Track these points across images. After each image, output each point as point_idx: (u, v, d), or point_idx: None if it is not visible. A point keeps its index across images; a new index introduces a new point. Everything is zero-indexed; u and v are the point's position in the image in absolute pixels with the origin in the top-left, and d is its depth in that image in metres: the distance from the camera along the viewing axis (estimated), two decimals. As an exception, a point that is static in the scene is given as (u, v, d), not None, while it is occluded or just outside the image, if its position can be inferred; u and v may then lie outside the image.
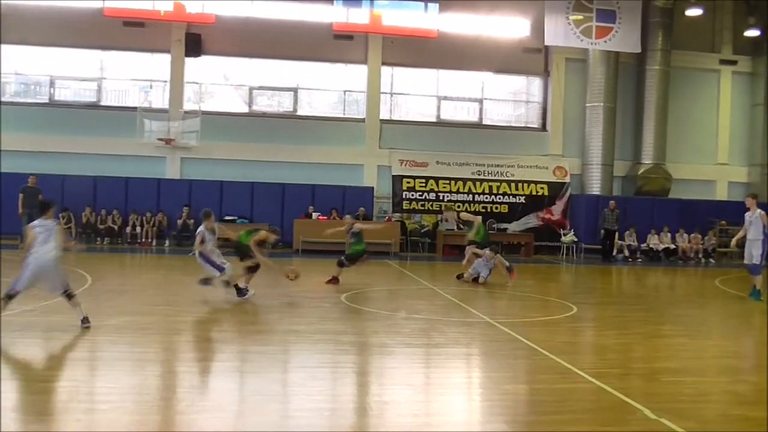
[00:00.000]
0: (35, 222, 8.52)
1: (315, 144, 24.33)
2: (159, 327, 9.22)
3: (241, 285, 11.69)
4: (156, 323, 9.42)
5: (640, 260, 24.00)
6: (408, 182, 24.46)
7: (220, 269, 11.37)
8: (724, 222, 25.48)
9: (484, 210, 24.79)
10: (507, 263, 15.21)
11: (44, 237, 8.34)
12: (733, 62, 27.29)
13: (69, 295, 8.52)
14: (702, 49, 27.08)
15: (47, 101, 23.81)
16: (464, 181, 24.85)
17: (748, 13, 25.88)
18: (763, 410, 6.13)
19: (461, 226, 16.07)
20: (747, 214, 14.23)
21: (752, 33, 25.92)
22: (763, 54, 26.94)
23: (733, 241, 15.13)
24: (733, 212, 25.73)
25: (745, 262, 14.28)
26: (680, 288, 18.03)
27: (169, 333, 8.88)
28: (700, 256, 24.62)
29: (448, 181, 24.76)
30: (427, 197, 24.51)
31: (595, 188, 25.40)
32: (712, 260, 24.50)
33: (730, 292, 15.94)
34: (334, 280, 13.78)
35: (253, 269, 12.03)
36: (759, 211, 13.96)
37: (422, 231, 24.10)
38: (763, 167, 27.00)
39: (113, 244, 22.11)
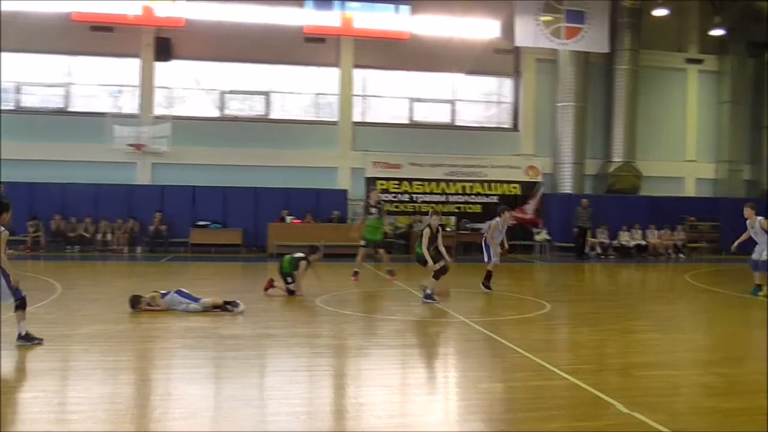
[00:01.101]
0: None
1: (288, 147, 24.27)
2: (131, 335, 9.12)
3: (429, 290, 12.28)
4: (128, 331, 9.32)
5: (612, 257, 24.27)
6: (382, 184, 24.48)
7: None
8: (693, 218, 25.95)
9: (457, 210, 24.95)
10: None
11: None
12: (700, 61, 27.72)
13: (17, 307, 8.05)
14: (669, 48, 27.48)
15: (14, 108, 23.46)
16: (437, 181, 24.96)
17: (713, 13, 26.30)
18: (733, 401, 6.24)
19: (371, 210, 15.93)
20: (748, 223, 14.10)
21: (717, 32, 26.33)
22: (728, 53, 27.40)
23: (734, 246, 14.84)
24: (701, 208, 26.31)
25: (754, 257, 14.07)
26: (652, 284, 18.23)
27: (141, 341, 8.79)
28: (671, 251, 24.95)
29: (421, 183, 24.86)
30: (401, 199, 24.60)
31: (567, 187, 25.63)
32: (682, 255, 24.85)
33: (700, 286, 16.16)
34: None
35: (439, 273, 12.38)
36: (759, 219, 13.85)
37: (397, 232, 24.12)
38: (730, 164, 27.49)
39: (84, 251, 21.86)
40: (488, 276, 13.89)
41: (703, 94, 27.95)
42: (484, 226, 14.51)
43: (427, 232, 12.46)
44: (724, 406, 6.15)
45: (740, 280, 16.73)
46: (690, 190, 27.69)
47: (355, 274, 15.45)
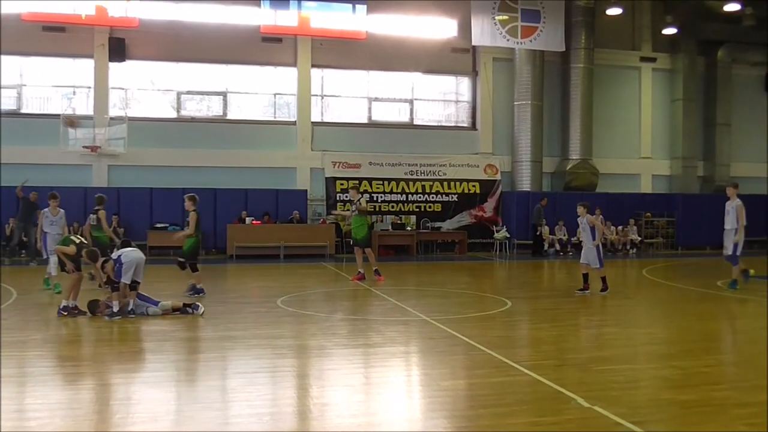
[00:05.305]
0: None
1: (246, 148, 24.07)
2: (89, 339, 8.97)
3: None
4: (86, 335, 9.16)
5: (570, 254, 24.55)
6: (341, 184, 24.44)
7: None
8: (649, 214, 26.46)
9: (418, 209, 25.02)
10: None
11: None
12: (653, 59, 28.20)
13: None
14: (623, 47, 27.93)
15: (-37, 111, 22.82)
16: (397, 181, 25.01)
17: (665, 12, 26.83)
18: (690, 393, 6.36)
19: (352, 208, 16.05)
20: (727, 204, 14.12)
21: (670, 31, 26.89)
22: (680, 51, 27.95)
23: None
24: (657, 204, 26.85)
25: (724, 253, 14.31)
26: (610, 279, 18.45)
27: (100, 345, 8.65)
28: (628, 247, 25.36)
29: (381, 182, 24.88)
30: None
31: (525, 185, 25.87)
32: (638, 250, 25.29)
33: (656, 281, 16.46)
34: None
35: None
36: (737, 201, 13.89)
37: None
38: (684, 160, 28.06)
39: (40, 255, 21.34)
40: (604, 279, 13.68)
41: (656, 92, 28.47)
42: (584, 226, 13.51)
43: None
44: (681, 398, 6.27)
45: (696, 274, 17.10)
46: (646, 187, 28.18)
47: (359, 274, 15.50)
